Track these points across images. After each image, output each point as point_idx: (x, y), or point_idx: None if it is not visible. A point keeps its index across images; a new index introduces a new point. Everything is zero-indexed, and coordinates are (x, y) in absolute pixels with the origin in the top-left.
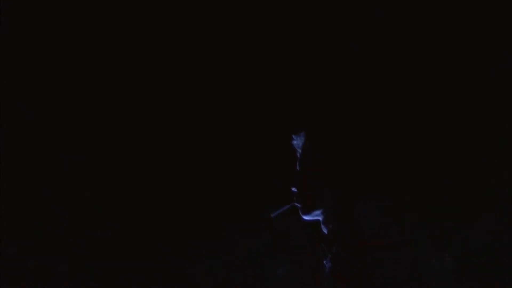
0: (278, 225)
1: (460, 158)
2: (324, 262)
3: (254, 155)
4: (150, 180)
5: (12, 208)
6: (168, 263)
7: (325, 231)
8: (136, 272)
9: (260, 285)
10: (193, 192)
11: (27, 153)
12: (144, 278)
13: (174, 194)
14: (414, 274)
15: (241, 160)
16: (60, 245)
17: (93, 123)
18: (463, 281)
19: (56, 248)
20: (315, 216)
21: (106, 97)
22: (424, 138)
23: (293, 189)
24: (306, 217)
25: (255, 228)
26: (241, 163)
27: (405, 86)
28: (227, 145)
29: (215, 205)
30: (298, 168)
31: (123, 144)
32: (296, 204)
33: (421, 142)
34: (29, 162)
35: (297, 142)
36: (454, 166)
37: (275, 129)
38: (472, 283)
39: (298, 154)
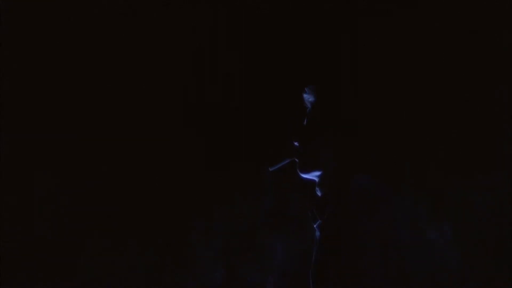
0: (277, 193)
1: (457, 127)
2: (315, 227)
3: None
4: (149, 146)
5: None
6: (166, 234)
7: (318, 193)
8: (130, 245)
9: (259, 256)
10: (191, 159)
11: None
12: (142, 249)
13: (171, 162)
14: (413, 245)
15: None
16: None
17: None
18: (463, 250)
19: None
20: (312, 176)
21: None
22: (422, 108)
23: (296, 143)
24: (303, 175)
25: (254, 198)
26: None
27: (407, 55)
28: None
29: (213, 175)
30: (305, 122)
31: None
32: (295, 159)
33: (420, 112)
34: None
35: (308, 95)
36: (450, 136)
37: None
38: (472, 252)
39: (307, 108)
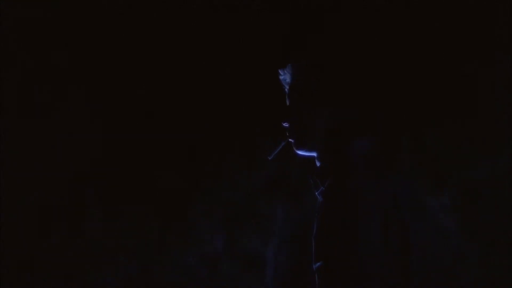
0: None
1: (456, 96)
2: (316, 194)
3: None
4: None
5: None
6: (166, 203)
7: (317, 164)
8: (132, 213)
9: (259, 224)
10: (189, 131)
11: None
12: (142, 218)
13: (170, 133)
14: (413, 213)
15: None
16: None
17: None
18: (463, 220)
19: None
20: (310, 151)
21: None
22: (421, 75)
23: (284, 124)
24: (300, 152)
25: (254, 166)
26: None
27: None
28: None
29: (213, 144)
30: (287, 102)
31: None
32: (289, 140)
33: (418, 80)
34: None
35: (284, 77)
36: (450, 104)
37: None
38: (472, 222)
39: (286, 90)
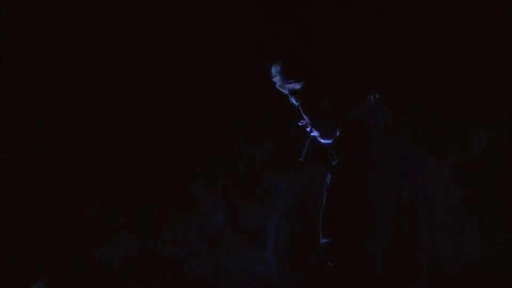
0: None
1: (455, 71)
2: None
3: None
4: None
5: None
6: (166, 176)
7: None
8: (131, 187)
9: (260, 196)
10: (191, 103)
11: None
12: (142, 192)
13: (171, 105)
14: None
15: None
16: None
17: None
18: (462, 193)
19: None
20: (335, 135)
21: None
22: (420, 50)
23: (301, 123)
24: (328, 141)
25: (255, 140)
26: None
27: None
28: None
29: (215, 116)
30: (295, 102)
31: None
32: (312, 135)
33: (417, 54)
34: None
35: (280, 84)
36: (449, 78)
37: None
38: (471, 195)
39: (288, 91)
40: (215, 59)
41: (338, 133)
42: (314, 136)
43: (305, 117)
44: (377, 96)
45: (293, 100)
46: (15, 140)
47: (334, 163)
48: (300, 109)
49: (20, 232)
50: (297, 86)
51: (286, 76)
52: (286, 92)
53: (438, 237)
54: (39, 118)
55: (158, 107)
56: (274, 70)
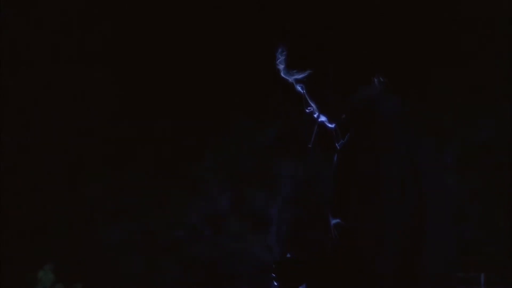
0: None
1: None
2: (336, 145)
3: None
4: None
5: None
6: (170, 160)
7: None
8: (134, 171)
9: (265, 180)
10: (199, 90)
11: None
12: (145, 175)
13: (179, 91)
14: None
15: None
16: None
17: None
18: (465, 178)
19: None
20: (342, 117)
21: None
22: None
23: (308, 110)
24: (336, 123)
25: (260, 125)
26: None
27: None
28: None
29: (220, 101)
30: (303, 90)
31: None
32: (320, 121)
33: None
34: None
35: (285, 72)
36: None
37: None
38: (473, 180)
39: (295, 80)
40: (223, 44)
41: (344, 116)
42: (322, 122)
43: (311, 104)
44: (382, 79)
45: (299, 88)
46: (18, 125)
47: (338, 146)
48: (306, 96)
49: (22, 219)
50: (301, 75)
51: (290, 67)
52: (291, 80)
53: (440, 223)
54: (41, 106)
55: (164, 91)
56: (278, 60)
